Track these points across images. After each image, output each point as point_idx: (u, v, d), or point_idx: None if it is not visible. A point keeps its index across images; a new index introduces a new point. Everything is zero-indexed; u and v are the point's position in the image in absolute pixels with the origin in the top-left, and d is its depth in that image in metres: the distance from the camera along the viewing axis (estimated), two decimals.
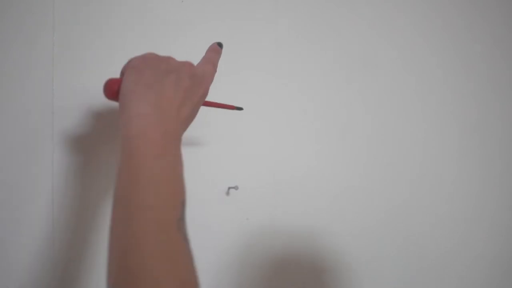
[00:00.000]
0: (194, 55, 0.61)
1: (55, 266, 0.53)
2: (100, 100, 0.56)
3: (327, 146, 0.68)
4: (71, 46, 0.54)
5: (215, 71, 0.48)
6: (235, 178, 0.62)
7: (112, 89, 0.43)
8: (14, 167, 0.51)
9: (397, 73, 0.73)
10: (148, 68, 0.42)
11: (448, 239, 0.77)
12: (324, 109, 0.68)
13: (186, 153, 0.60)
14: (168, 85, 0.42)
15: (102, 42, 0.55)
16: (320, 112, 0.68)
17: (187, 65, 0.44)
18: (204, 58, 0.48)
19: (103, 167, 0.55)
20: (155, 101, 0.40)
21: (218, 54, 0.50)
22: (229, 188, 0.61)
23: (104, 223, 0.55)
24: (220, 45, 0.51)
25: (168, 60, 0.44)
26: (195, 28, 0.60)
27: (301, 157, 0.66)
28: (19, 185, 0.51)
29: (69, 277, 0.53)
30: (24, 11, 0.52)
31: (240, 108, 0.57)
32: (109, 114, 0.55)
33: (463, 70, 0.79)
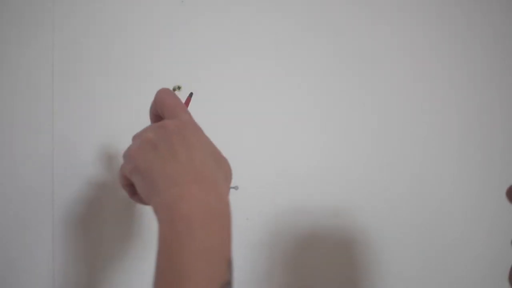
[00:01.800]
0: (194, 55, 0.61)
1: None
2: (100, 100, 0.56)
3: (327, 146, 0.68)
4: (71, 46, 0.54)
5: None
6: (235, 178, 0.62)
7: None
8: (14, 167, 0.51)
9: (397, 73, 0.73)
10: (162, 142, 0.41)
11: (448, 239, 0.77)
12: (324, 109, 0.68)
13: None
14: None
15: (101, 42, 0.55)
16: (320, 112, 0.68)
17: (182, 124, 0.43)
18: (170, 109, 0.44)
19: (104, 167, 0.55)
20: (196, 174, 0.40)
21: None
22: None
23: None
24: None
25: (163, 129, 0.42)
26: (195, 28, 0.60)
27: (301, 157, 0.66)
28: (18, 185, 0.51)
29: None
30: (24, 11, 0.52)
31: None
32: (109, 114, 0.55)
33: (464, 69, 0.79)
